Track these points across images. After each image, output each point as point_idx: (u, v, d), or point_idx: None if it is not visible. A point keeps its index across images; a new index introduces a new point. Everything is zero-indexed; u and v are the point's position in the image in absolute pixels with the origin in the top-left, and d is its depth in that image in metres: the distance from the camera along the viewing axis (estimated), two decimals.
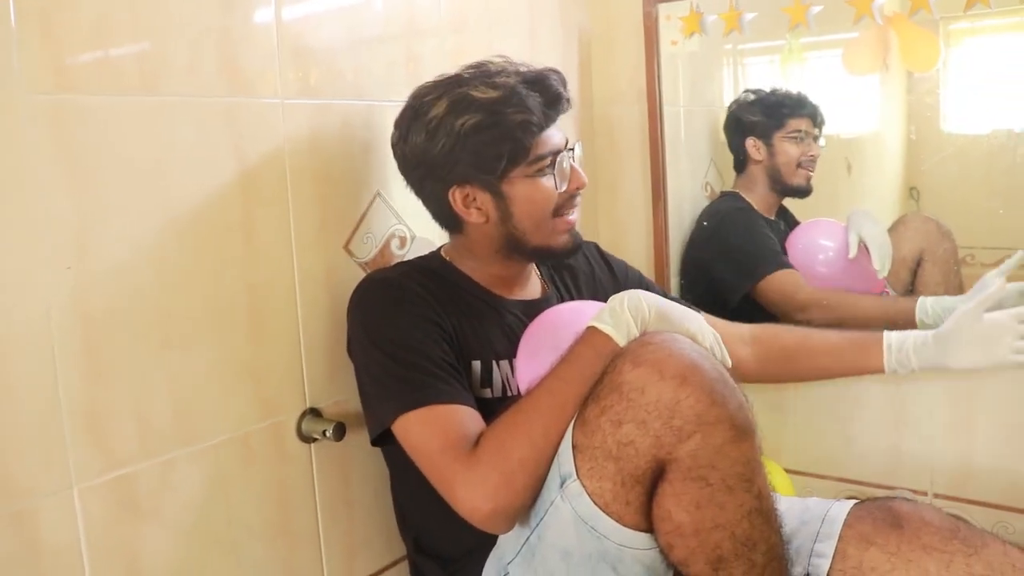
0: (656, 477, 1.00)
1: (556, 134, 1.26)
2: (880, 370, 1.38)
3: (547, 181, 1.25)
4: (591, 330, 1.10)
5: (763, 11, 1.76)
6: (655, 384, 0.97)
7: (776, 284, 1.80)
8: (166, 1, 1.10)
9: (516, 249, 1.29)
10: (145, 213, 1.08)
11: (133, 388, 1.08)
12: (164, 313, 1.11)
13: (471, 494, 1.05)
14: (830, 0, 1.67)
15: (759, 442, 1.01)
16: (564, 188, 1.25)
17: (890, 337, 1.38)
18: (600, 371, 1.04)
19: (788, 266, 1.81)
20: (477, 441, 1.09)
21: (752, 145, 1.88)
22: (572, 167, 1.27)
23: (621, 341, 1.07)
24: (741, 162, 1.92)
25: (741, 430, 0.97)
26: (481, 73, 1.24)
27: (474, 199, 1.25)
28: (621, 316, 1.09)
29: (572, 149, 1.28)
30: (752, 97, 1.89)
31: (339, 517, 1.37)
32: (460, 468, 1.06)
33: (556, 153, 1.25)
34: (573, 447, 1.02)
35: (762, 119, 1.87)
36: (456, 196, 1.25)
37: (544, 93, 1.23)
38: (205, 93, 1.15)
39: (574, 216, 1.29)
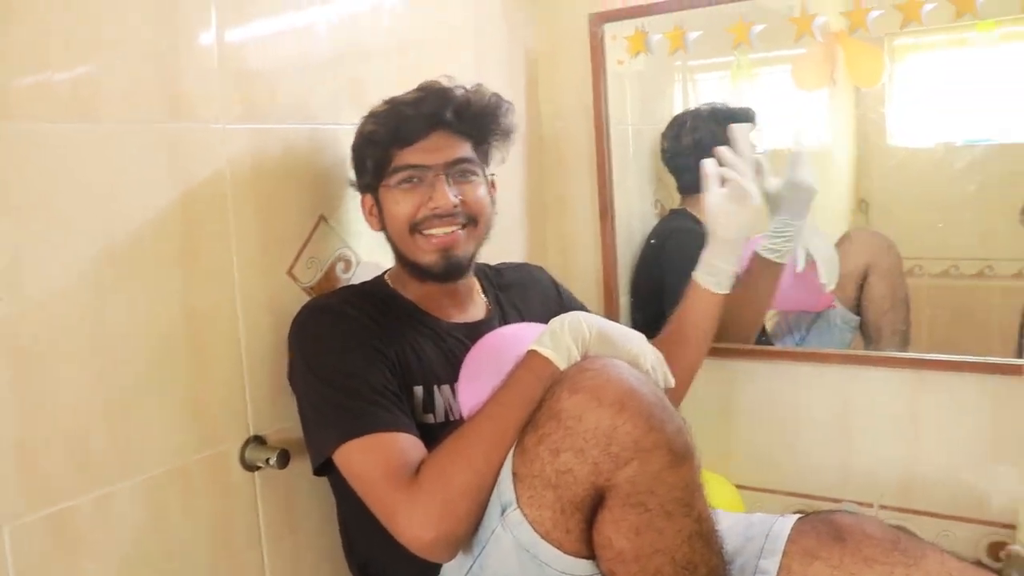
0: (596, 504, 1.00)
1: (443, 150, 1.26)
2: (710, 295, 1.47)
3: (403, 195, 1.26)
4: (531, 354, 1.10)
5: (708, 30, 1.77)
6: (593, 411, 0.97)
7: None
8: (102, 26, 1.08)
9: (406, 264, 1.31)
10: (81, 241, 1.06)
11: (68, 420, 1.05)
12: (101, 342, 1.09)
13: (412, 523, 1.04)
14: (773, 18, 1.69)
15: (698, 465, 1.01)
16: (430, 204, 1.25)
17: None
18: (541, 395, 1.04)
19: None
20: (418, 469, 1.08)
21: None
22: (440, 187, 1.25)
23: (562, 365, 1.07)
24: (698, 183, 1.89)
25: (679, 455, 0.98)
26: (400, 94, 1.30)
27: (370, 206, 1.33)
28: (561, 339, 1.09)
29: (461, 164, 1.27)
30: (705, 112, 1.85)
31: (284, 546, 1.35)
32: (401, 497, 1.06)
33: (420, 168, 1.25)
34: (513, 475, 1.02)
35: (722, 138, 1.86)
36: (364, 203, 1.35)
37: (418, 108, 1.25)
38: (144, 119, 1.13)
39: (441, 236, 1.26)
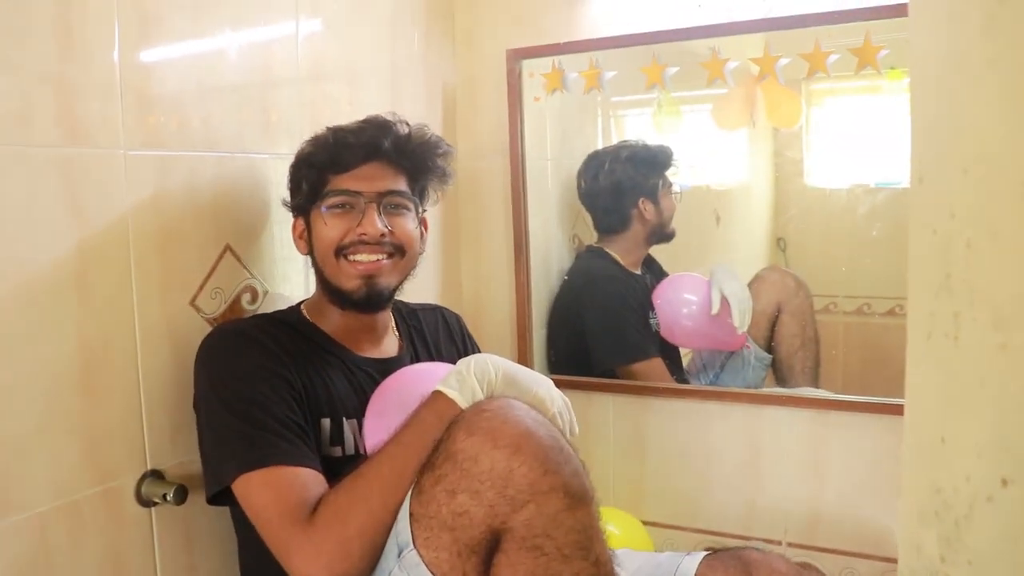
0: (493, 547, 0.99)
1: (377, 180, 1.27)
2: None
3: (333, 219, 1.26)
4: (436, 394, 1.10)
5: (622, 70, 1.80)
6: (488, 453, 0.96)
7: (643, 373, 1.85)
8: None
9: (328, 290, 1.29)
10: None
11: None
12: None
13: (306, 562, 1.03)
14: (687, 61, 1.73)
15: (597, 508, 1.01)
16: (358, 230, 1.25)
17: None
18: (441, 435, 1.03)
19: (657, 355, 1.86)
20: (316, 507, 1.06)
21: (643, 207, 1.87)
22: (370, 215, 1.25)
23: (464, 405, 1.07)
24: (620, 224, 1.91)
25: (576, 497, 0.97)
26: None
27: (301, 230, 1.33)
28: (467, 380, 1.09)
29: (394, 196, 1.28)
30: (624, 155, 1.87)
31: None
32: (296, 534, 1.04)
33: (353, 194, 1.26)
34: (410, 515, 1.01)
35: (648, 179, 1.86)
36: (294, 227, 1.35)
37: (358, 137, 1.27)
38: (39, 143, 1.09)
39: (365, 263, 1.26)
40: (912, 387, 0.61)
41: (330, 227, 1.26)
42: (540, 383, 1.13)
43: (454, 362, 1.32)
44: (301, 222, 1.33)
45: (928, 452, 0.58)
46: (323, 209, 1.27)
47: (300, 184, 1.31)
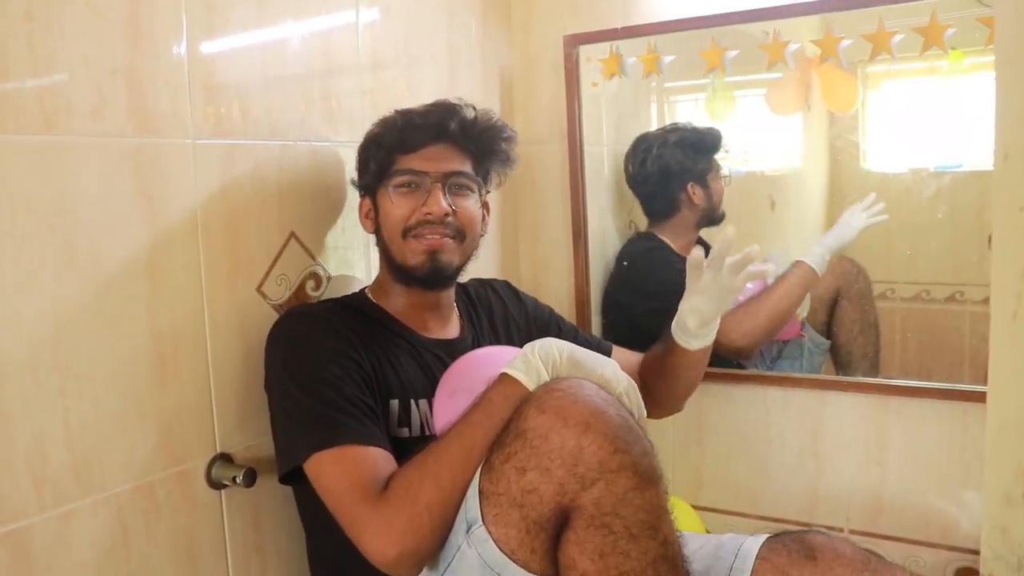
0: (561, 524, 0.99)
1: (443, 161, 1.29)
2: (681, 347, 1.40)
3: (400, 198, 1.29)
4: (503, 376, 1.11)
5: (681, 54, 1.79)
6: (558, 431, 0.97)
7: None
8: (67, 35, 1.07)
9: (394, 268, 1.32)
10: (42, 256, 1.05)
11: (26, 438, 1.04)
12: (62, 359, 1.07)
13: (377, 537, 1.04)
14: (746, 44, 1.71)
15: (665, 489, 1.01)
16: (423, 209, 1.27)
17: (674, 326, 1.41)
18: (509, 416, 1.04)
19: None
20: (387, 484, 1.08)
21: (691, 191, 1.85)
22: (435, 194, 1.28)
23: (531, 386, 1.07)
24: (669, 209, 1.89)
25: (645, 477, 0.97)
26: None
27: (368, 209, 1.36)
28: (532, 362, 1.09)
29: (458, 177, 1.30)
30: (673, 140, 1.85)
31: (251, 565, 1.33)
32: (367, 511, 1.06)
33: (419, 173, 1.28)
34: (480, 493, 1.02)
35: (697, 163, 1.84)
36: (361, 207, 1.38)
37: (425, 118, 1.29)
38: (112, 133, 1.12)
39: (429, 240, 1.28)
40: (996, 368, 0.60)
41: (396, 206, 1.29)
42: (605, 365, 1.13)
43: (519, 328, 1.31)
44: (368, 201, 1.36)
45: (1013, 433, 0.58)
46: (390, 189, 1.29)
47: (368, 164, 1.34)
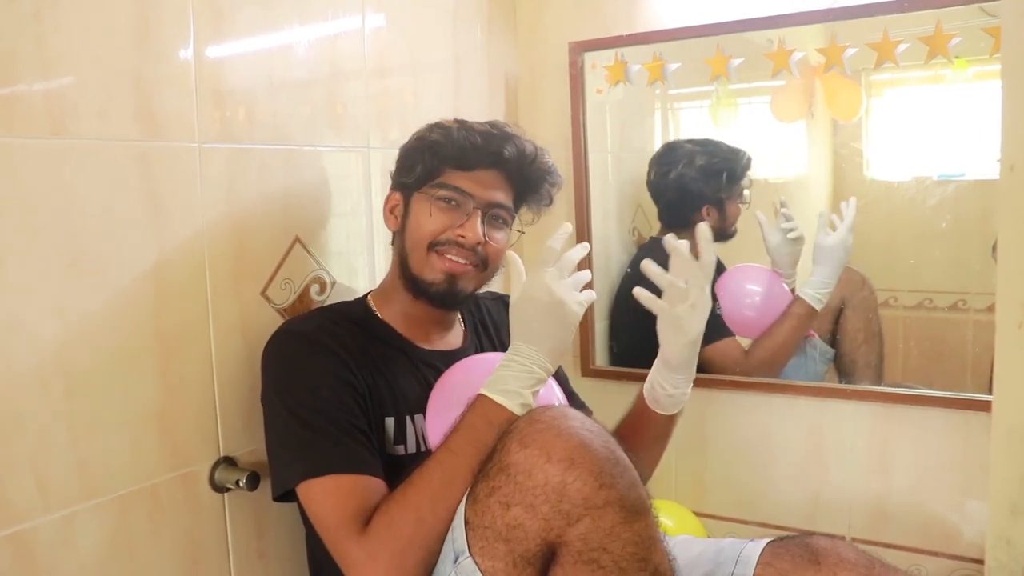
0: (549, 558, 0.98)
1: (490, 189, 1.27)
2: (648, 409, 1.34)
3: (439, 211, 1.27)
4: (482, 398, 1.11)
5: (686, 62, 1.79)
6: (542, 467, 0.96)
7: (718, 353, 1.81)
8: (74, 38, 1.07)
9: (406, 275, 1.29)
10: (47, 259, 1.05)
11: (31, 440, 1.04)
12: (67, 362, 1.07)
13: (364, 572, 1.05)
14: (751, 52, 1.71)
15: (654, 518, 1.00)
16: (458, 230, 1.25)
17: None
18: (493, 440, 1.03)
19: (730, 333, 1.82)
20: (370, 518, 1.08)
21: (707, 212, 1.85)
22: (474, 220, 1.26)
23: (513, 408, 1.08)
24: (682, 222, 1.85)
25: (632, 510, 0.96)
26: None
27: (395, 204, 1.33)
28: (511, 378, 1.11)
29: (500, 208, 1.28)
30: (700, 162, 1.84)
31: (253, 569, 1.34)
32: (352, 545, 1.06)
33: (465, 195, 1.26)
34: (465, 523, 1.01)
35: (718, 190, 1.84)
36: (389, 200, 1.35)
37: (487, 141, 1.27)
38: (118, 136, 1.12)
39: (452, 263, 1.26)
40: (1001, 378, 0.60)
41: (433, 218, 1.26)
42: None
43: None
44: (397, 196, 1.33)
45: (1019, 443, 0.57)
46: (431, 197, 1.27)
47: (415, 165, 1.30)
